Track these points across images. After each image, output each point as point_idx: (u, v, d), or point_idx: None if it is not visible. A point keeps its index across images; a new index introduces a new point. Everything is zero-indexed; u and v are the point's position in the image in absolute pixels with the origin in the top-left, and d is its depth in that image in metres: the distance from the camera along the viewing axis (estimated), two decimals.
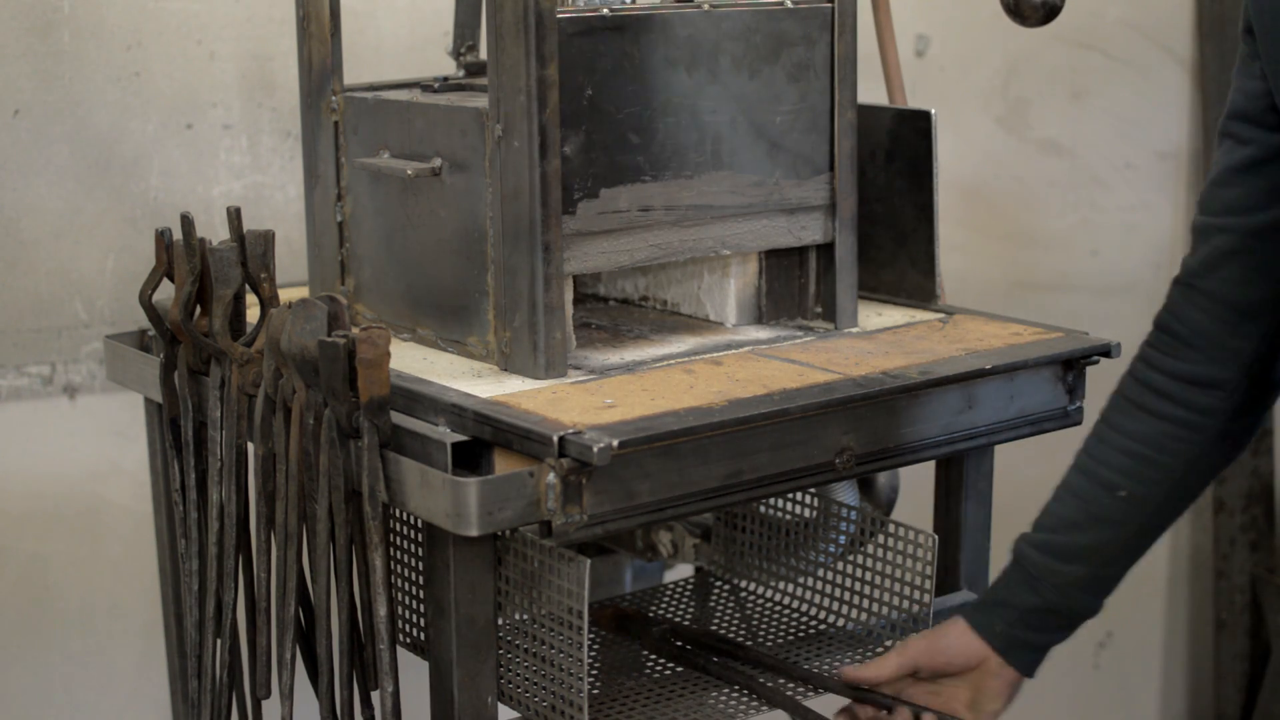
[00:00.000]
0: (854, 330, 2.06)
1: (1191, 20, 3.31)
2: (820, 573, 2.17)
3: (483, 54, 2.26)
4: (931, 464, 2.06)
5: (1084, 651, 3.43)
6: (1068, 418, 2.02)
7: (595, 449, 1.61)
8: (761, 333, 2.04)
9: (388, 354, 1.69)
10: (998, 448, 2.05)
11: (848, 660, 2.05)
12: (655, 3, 1.93)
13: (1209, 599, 3.53)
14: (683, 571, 2.50)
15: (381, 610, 1.73)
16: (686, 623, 2.22)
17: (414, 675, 1.91)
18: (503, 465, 1.68)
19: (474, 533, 1.64)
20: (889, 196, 2.15)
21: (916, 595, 2.03)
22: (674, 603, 2.28)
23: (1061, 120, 3.22)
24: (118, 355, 2.15)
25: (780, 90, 1.98)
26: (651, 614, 2.18)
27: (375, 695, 1.79)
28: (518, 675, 1.82)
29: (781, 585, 2.22)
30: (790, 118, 1.99)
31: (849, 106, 2.02)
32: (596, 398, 1.76)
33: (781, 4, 1.97)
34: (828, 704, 1.95)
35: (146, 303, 1.96)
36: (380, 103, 1.99)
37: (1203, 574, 3.54)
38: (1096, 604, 1.91)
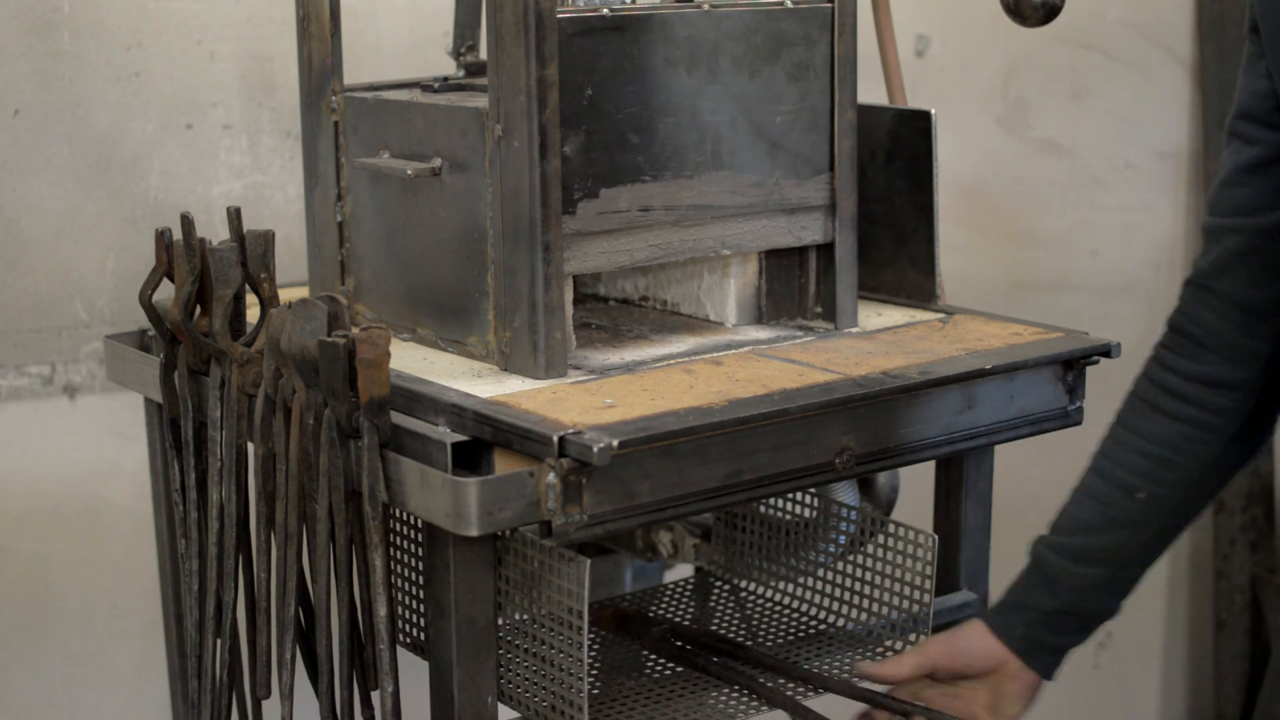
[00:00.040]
0: (854, 330, 2.06)
1: (1191, 20, 3.31)
2: (820, 573, 2.17)
3: (483, 54, 2.26)
4: (931, 464, 2.06)
5: (1084, 651, 3.42)
6: (1068, 418, 2.02)
7: (595, 449, 1.61)
8: (761, 333, 2.04)
9: (388, 354, 1.69)
10: (998, 448, 2.05)
11: (848, 660, 2.05)
12: (655, 3, 1.93)
13: (1209, 599, 3.53)
14: (683, 571, 2.50)
15: (381, 610, 1.73)
16: (686, 623, 2.22)
17: (414, 675, 1.91)
18: (503, 465, 1.68)
19: (474, 533, 1.64)
20: (889, 196, 2.15)
21: (916, 595, 2.03)
22: (674, 603, 2.28)
23: (1061, 120, 3.22)
24: (118, 355, 2.15)
25: (780, 90, 1.98)
26: (651, 614, 2.18)
27: (375, 695, 1.79)
28: (518, 675, 1.82)
29: (781, 585, 2.22)
30: (790, 118, 1.99)
31: (849, 106, 2.02)
32: (596, 398, 1.76)
33: (781, 4, 1.97)
34: (828, 704, 1.95)
35: (146, 303, 1.96)
36: (380, 103, 1.99)
37: (1203, 574, 3.54)
38: (1115, 606, 1.91)
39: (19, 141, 2.39)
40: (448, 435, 1.70)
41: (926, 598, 2.02)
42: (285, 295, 1.95)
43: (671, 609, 2.27)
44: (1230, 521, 3.44)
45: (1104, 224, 3.31)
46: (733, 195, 1.97)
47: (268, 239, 1.88)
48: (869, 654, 2.06)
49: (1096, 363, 2.01)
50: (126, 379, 2.13)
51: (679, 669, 2.04)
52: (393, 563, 1.98)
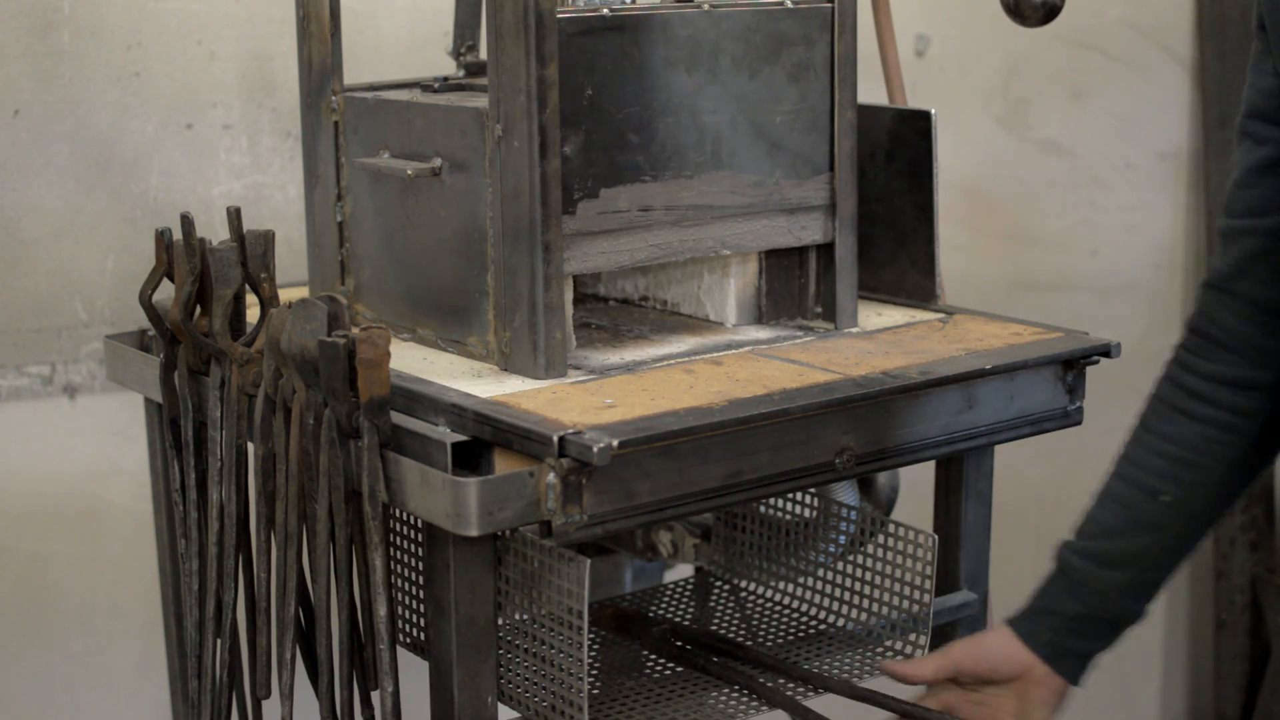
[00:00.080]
0: (854, 330, 2.06)
1: (1191, 20, 3.31)
2: (820, 573, 2.17)
3: (483, 54, 2.26)
4: (931, 464, 2.06)
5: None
6: (1068, 418, 2.02)
7: (595, 449, 1.61)
8: (761, 333, 2.04)
9: (388, 354, 1.69)
10: (998, 448, 2.05)
11: (848, 660, 2.05)
12: (655, 3, 1.93)
13: (1209, 599, 3.53)
14: (683, 571, 2.50)
15: (381, 610, 1.73)
16: (686, 623, 2.22)
17: (414, 675, 1.91)
18: (503, 465, 1.68)
19: (474, 533, 1.64)
20: (889, 196, 2.15)
21: (916, 595, 2.03)
22: (674, 603, 2.28)
23: (1061, 120, 3.22)
24: (118, 355, 2.15)
25: (780, 90, 1.98)
26: (651, 614, 2.18)
27: (375, 695, 1.79)
28: (518, 675, 1.82)
29: (781, 585, 2.22)
30: (790, 118, 1.99)
31: (849, 106, 2.02)
32: (596, 398, 1.76)
33: (781, 4, 1.97)
34: (828, 704, 1.95)
35: (146, 303, 1.96)
36: (380, 103, 1.99)
37: (1203, 574, 3.54)
38: (1141, 609, 1.89)
39: (19, 141, 2.39)
40: (448, 435, 1.70)
41: (926, 598, 2.02)
42: (285, 295, 1.95)
43: (671, 609, 2.27)
44: (1230, 521, 3.44)
45: (1104, 224, 3.31)
46: (733, 195, 1.97)
47: (268, 239, 1.88)
48: (869, 654, 2.06)
49: (1096, 363, 2.01)
50: (126, 379, 2.13)
51: (679, 669, 2.04)
52: (393, 563, 1.98)
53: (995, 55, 3.13)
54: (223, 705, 1.95)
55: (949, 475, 2.09)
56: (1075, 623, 1.88)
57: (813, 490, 2.15)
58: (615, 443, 1.62)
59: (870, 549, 2.10)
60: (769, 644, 2.12)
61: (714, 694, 1.97)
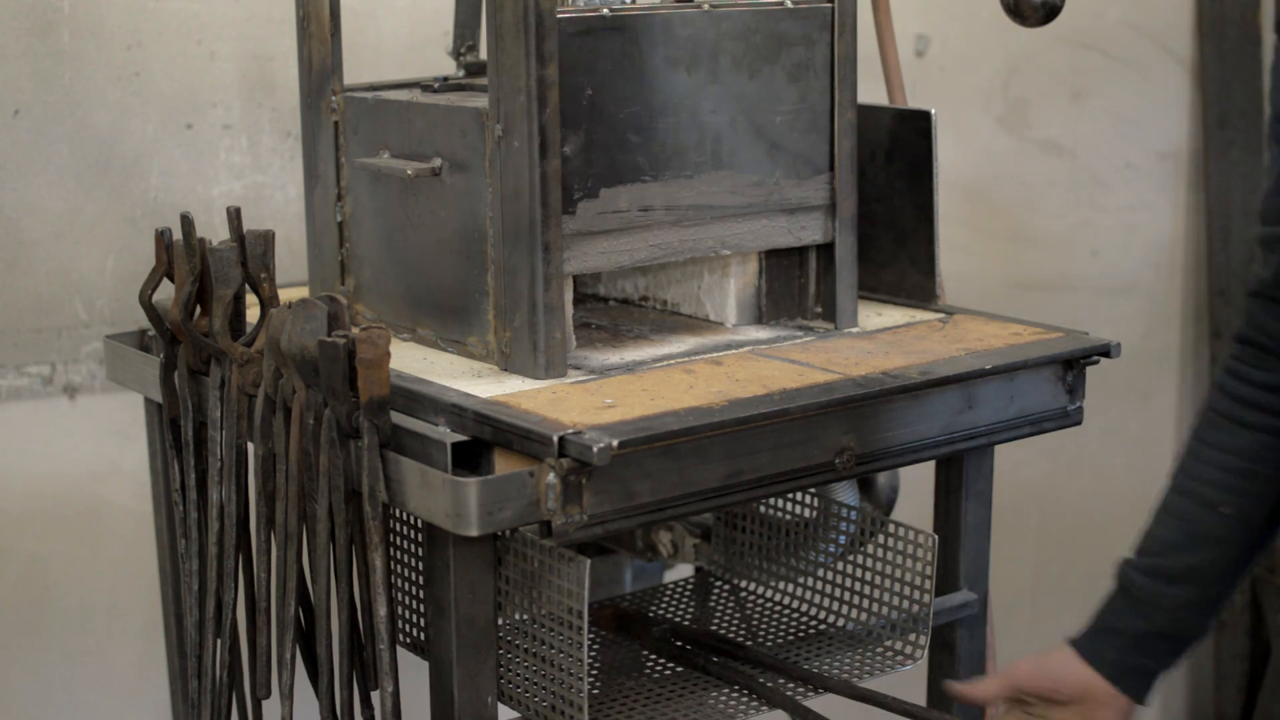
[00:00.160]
0: (854, 330, 2.06)
1: (1191, 20, 3.31)
2: (820, 573, 2.17)
3: (483, 54, 2.26)
4: (931, 464, 2.06)
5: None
6: (1068, 417, 2.02)
7: (595, 449, 1.61)
8: (761, 333, 2.04)
9: (388, 354, 1.69)
10: (998, 448, 2.05)
11: (848, 660, 2.05)
12: (655, 3, 1.93)
13: None
14: (683, 571, 2.50)
15: (381, 610, 1.73)
16: (686, 623, 2.22)
17: (414, 675, 1.91)
18: (503, 465, 1.68)
19: (474, 533, 1.64)
20: (889, 196, 2.15)
21: (916, 595, 2.03)
22: (674, 603, 2.28)
23: (1061, 120, 3.22)
24: (118, 355, 2.15)
25: (780, 90, 1.98)
26: (651, 614, 2.18)
27: (375, 695, 1.79)
28: (518, 675, 1.82)
29: (781, 585, 2.22)
30: (790, 118, 1.99)
31: (849, 106, 2.02)
32: (596, 398, 1.76)
33: (781, 4, 1.97)
34: (828, 704, 1.95)
35: (146, 303, 1.96)
36: (380, 103, 1.99)
37: None
38: (1207, 626, 1.84)
39: (19, 141, 2.39)
40: (448, 435, 1.70)
41: (926, 598, 2.02)
42: (285, 295, 1.95)
43: (671, 609, 2.27)
44: None
45: (1104, 224, 3.31)
46: (733, 195, 1.97)
47: (268, 239, 1.88)
48: (869, 654, 2.06)
49: (1096, 363, 2.01)
50: (126, 379, 2.13)
51: (679, 669, 2.04)
52: (393, 563, 1.98)
53: (995, 55, 3.13)
54: (223, 705, 1.95)
55: (949, 475, 2.09)
56: (1140, 641, 1.84)
57: (813, 490, 2.15)
58: (615, 443, 1.62)
59: (870, 549, 2.10)
60: (769, 644, 2.12)
61: (714, 694, 1.97)
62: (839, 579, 2.15)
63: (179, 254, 1.90)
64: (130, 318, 2.40)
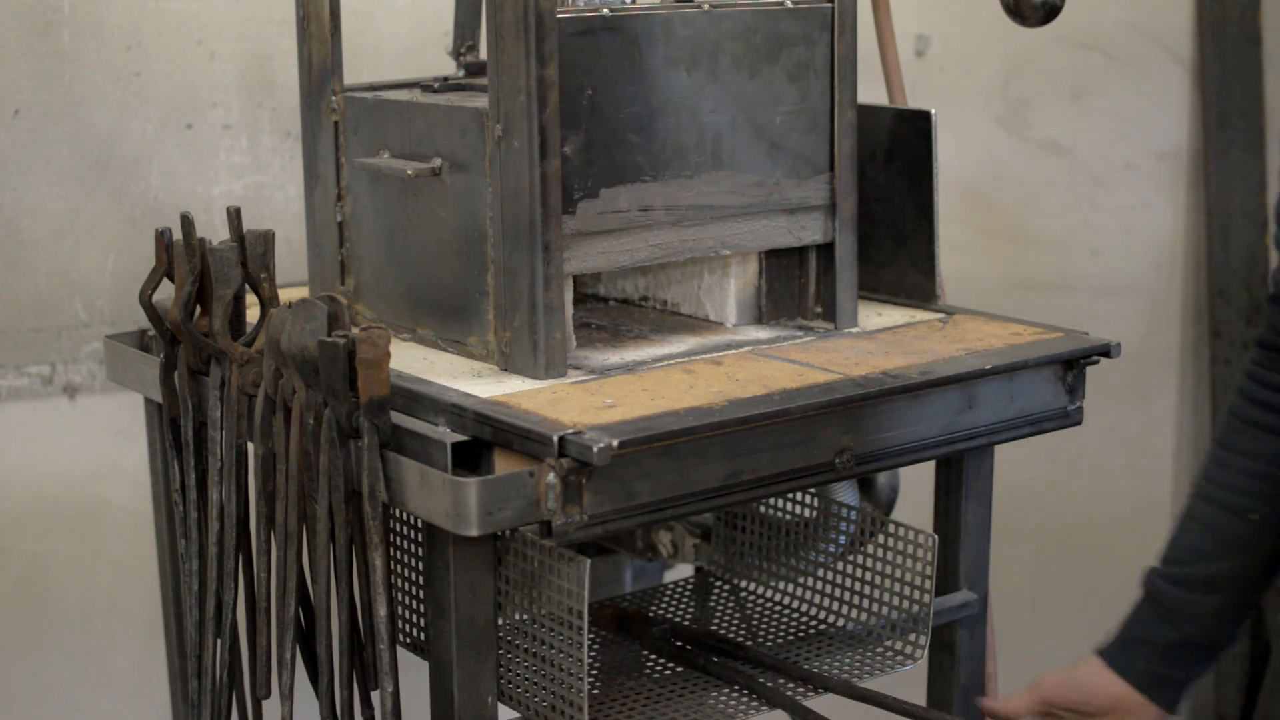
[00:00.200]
0: (854, 330, 2.06)
1: (1191, 20, 3.31)
2: (820, 573, 2.17)
3: (483, 54, 2.26)
4: (931, 464, 2.06)
5: (1085, 653, 3.43)
6: (1068, 417, 2.02)
7: (595, 449, 1.61)
8: (761, 333, 2.04)
9: (388, 354, 1.69)
10: (998, 448, 2.05)
11: (848, 660, 2.05)
12: (655, 3, 1.93)
13: None
14: (683, 571, 2.50)
15: (381, 610, 1.73)
16: (686, 623, 2.22)
17: (414, 675, 1.91)
18: (503, 465, 1.68)
19: (474, 533, 1.64)
20: (889, 196, 2.15)
21: (916, 595, 2.03)
22: (674, 603, 2.28)
23: (1061, 120, 3.22)
24: (118, 355, 2.15)
25: (780, 90, 1.98)
26: (651, 614, 2.18)
27: (375, 695, 1.79)
28: (518, 675, 1.82)
29: (781, 585, 2.22)
30: (790, 118, 1.99)
31: (849, 106, 2.02)
32: (596, 398, 1.76)
33: (781, 4, 1.97)
34: (828, 704, 1.95)
35: (146, 303, 1.96)
36: (380, 103, 1.99)
37: None
38: (1235, 633, 1.84)
39: (19, 141, 2.39)
40: (448, 435, 1.70)
41: (926, 598, 2.02)
42: (285, 295, 1.95)
43: (671, 609, 2.26)
44: None
45: (1104, 224, 3.31)
46: (733, 195, 1.97)
47: (268, 239, 1.88)
48: (869, 654, 2.06)
49: (1096, 363, 2.01)
50: (126, 379, 2.13)
51: (679, 669, 2.04)
52: (393, 563, 1.98)
53: (995, 55, 3.13)
54: (223, 705, 1.95)
55: (949, 475, 2.09)
56: (1169, 650, 1.83)
57: (813, 490, 2.15)
58: (615, 443, 1.62)
59: (870, 549, 2.10)
60: (769, 644, 2.12)
61: (714, 694, 1.97)
62: (839, 579, 2.15)
63: (179, 254, 1.90)
64: (130, 318, 2.40)
